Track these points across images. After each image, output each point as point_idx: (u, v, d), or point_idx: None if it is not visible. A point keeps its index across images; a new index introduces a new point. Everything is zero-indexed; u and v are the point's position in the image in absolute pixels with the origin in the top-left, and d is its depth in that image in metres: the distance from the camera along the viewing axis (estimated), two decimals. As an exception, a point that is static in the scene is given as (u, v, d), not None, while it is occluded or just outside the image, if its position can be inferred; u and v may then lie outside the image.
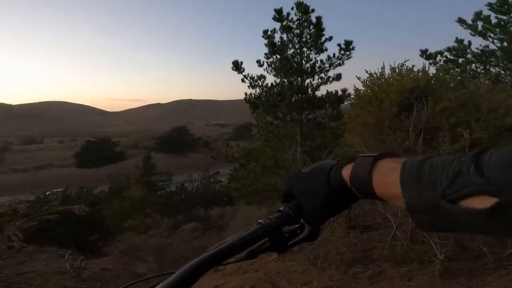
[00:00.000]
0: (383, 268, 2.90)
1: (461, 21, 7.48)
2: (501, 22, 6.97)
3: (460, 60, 7.59)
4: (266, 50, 9.17)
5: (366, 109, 3.15)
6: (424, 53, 7.79)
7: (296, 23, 8.99)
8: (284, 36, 9.12)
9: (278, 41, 9.09)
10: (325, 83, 9.28)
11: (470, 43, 7.46)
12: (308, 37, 9.10)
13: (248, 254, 0.57)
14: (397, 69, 3.18)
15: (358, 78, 3.34)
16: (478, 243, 2.68)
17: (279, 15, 8.91)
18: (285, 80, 9.17)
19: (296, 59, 9.13)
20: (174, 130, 58.44)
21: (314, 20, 8.97)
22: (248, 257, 0.57)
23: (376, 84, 3.20)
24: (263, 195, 8.73)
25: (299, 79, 9.08)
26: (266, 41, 9.09)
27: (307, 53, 9.21)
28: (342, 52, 9.10)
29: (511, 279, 2.31)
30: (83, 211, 4.28)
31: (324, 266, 3.23)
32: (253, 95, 9.32)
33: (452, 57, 7.64)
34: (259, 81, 9.31)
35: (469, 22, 7.34)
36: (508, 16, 6.89)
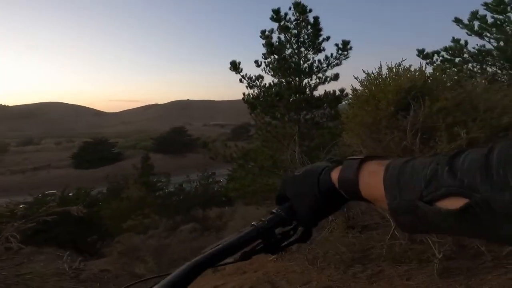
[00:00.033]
0: (382, 268, 2.91)
1: (457, 20, 7.51)
2: (497, 22, 6.99)
3: (457, 59, 7.61)
4: (264, 50, 9.20)
5: (364, 109, 3.15)
6: (421, 53, 7.81)
7: (293, 23, 9.01)
8: (282, 36, 9.16)
9: (276, 41, 9.11)
10: (323, 83, 9.32)
11: (466, 42, 7.48)
12: (306, 37, 9.12)
13: (242, 256, 0.58)
14: (394, 69, 3.18)
15: (356, 78, 3.33)
16: (476, 242, 2.69)
17: (276, 15, 8.93)
18: (283, 80, 9.19)
19: (294, 59, 9.15)
20: (172, 130, 58.37)
21: (311, 20, 9.01)
22: (242, 259, 0.58)
23: (374, 84, 3.20)
24: (261, 195, 8.72)
25: (297, 79, 9.10)
26: (264, 41, 9.11)
27: (305, 53, 9.23)
28: (340, 52, 9.14)
29: (510, 278, 2.32)
30: (81, 212, 4.28)
31: (323, 266, 3.24)
32: (251, 96, 9.33)
33: (449, 57, 7.66)
34: (257, 81, 9.33)
35: (466, 21, 7.37)
36: (504, 15, 6.92)
